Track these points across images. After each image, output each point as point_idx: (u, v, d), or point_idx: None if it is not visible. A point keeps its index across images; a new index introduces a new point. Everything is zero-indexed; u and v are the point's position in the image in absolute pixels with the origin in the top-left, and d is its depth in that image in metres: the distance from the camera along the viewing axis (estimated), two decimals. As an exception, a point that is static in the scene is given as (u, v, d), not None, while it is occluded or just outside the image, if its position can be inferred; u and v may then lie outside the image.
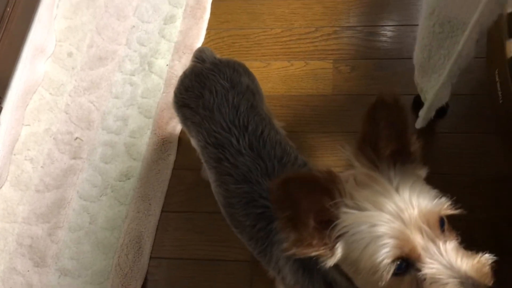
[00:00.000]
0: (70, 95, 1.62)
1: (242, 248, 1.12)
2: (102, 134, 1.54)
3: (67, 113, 1.59)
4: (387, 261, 0.59)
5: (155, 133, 1.51)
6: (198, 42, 1.67)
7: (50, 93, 1.64)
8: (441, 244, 0.61)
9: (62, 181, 1.47)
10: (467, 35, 0.96)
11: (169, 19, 1.73)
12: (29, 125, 1.58)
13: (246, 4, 1.74)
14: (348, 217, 0.62)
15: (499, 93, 1.20)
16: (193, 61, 1.14)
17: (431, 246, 0.60)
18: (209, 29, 1.71)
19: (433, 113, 1.25)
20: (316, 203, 0.62)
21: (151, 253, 1.34)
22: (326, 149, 1.43)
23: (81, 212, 1.42)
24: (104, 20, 1.76)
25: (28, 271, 1.35)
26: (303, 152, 1.08)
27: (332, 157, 1.40)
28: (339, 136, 1.43)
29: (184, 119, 1.08)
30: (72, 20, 1.77)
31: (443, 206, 0.63)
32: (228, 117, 0.97)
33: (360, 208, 0.62)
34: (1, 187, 1.48)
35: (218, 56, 1.14)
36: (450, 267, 0.60)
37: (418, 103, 1.33)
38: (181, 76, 1.11)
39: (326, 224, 0.63)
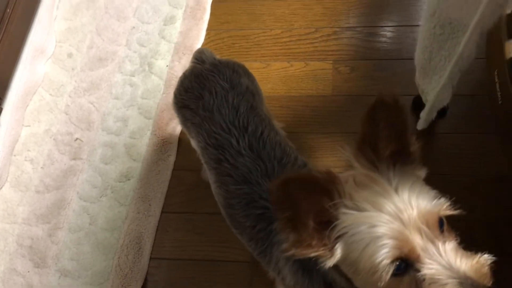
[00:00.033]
0: (70, 96, 1.63)
1: (242, 249, 1.12)
2: (102, 135, 1.54)
3: (67, 114, 1.59)
4: (386, 261, 0.60)
5: (155, 134, 1.51)
6: (198, 43, 1.67)
7: (50, 94, 1.64)
8: (440, 245, 0.61)
9: (62, 182, 1.48)
10: (468, 37, 0.96)
11: (169, 20, 1.73)
12: (29, 126, 1.58)
13: (246, 5, 1.74)
14: (347, 217, 0.63)
15: (498, 93, 1.20)
16: (192, 62, 1.14)
17: (430, 247, 0.60)
18: (209, 30, 1.71)
19: (434, 115, 1.25)
20: (316, 204, 0.62)
21: (151, 253, 1.34)
22: (326, 149, 1.43)
23: (81, 213, 1.42)
24: (104, 21, 1.76)
25: (28, 272, 1.36)
26: (303, 153, 1.07)
27: (332, 157, 1.40)
28: (339, 137, 1.43)
29: (184, 120, 1.08)
30: (72, 21, 1.77)
31: (442, 206, 0.64)
32: (228, 118, 0.97)
33: (359, 209, 0.62)
34: (1, 188, 1.48)
35: (218, 57, 1.14)
36: (449, 268, 0.60)
37: (417, 104, 1.33)
38: (181, 77, 1.11)
39: (326, 225, 0.63)
